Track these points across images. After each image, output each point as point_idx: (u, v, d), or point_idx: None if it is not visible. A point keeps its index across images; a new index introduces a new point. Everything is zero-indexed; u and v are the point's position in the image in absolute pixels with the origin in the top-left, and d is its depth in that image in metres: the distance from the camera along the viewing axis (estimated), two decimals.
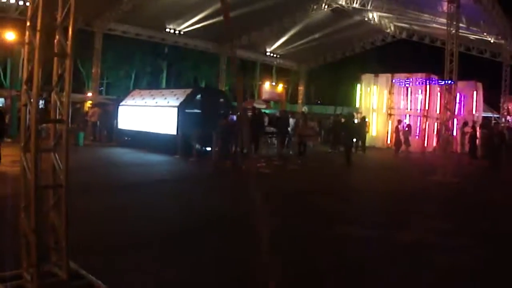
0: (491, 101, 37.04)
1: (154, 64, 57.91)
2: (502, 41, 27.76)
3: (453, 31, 16.57)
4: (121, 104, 23.89)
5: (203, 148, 19.80)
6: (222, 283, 5.76)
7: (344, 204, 11.38)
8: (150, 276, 5.78)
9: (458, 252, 7.62)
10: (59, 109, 4.66)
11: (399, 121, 27.25)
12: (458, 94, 17.44)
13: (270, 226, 8.29)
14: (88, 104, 31.44)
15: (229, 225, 8.58)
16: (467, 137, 24.09)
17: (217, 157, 17.50)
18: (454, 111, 17.10)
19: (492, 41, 29.13)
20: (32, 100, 4.41)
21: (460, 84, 16.70)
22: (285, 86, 57.28)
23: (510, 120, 35.21)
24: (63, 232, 4.48)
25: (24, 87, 4.59)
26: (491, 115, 40.80)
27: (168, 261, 6.35)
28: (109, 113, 25.08)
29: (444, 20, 26.15)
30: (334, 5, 30.47)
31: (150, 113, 21.39)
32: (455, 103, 17.28)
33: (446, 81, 16.90)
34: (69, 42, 4.49)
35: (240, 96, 4.52)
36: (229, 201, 10.95)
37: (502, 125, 30.60)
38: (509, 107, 35.07)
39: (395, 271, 6.51)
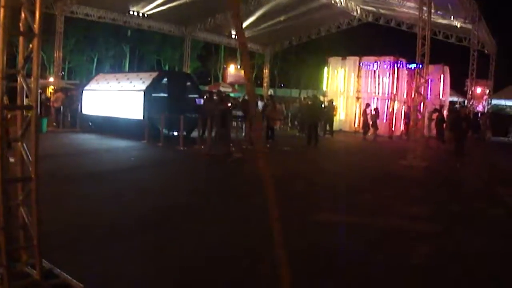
0: (456, 86, 37.33)
1: (117, 48, 56.80)
2: (469, 26, 27.81)
3: (425, 16, 16.49)
4: (85, 88, 23.21)
5: (171, 132, 19.40)
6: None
7: (316, 189, 11.20)
8: (126, 269, 5.45)
9: (437, 237, 7.53)
10: (26, 95, 4.25)
11: (367, 105, 27.20)
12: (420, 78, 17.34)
13: (244, 213, 8.06)
14: (51, 89, 30.52)
15: (201, 213, 8.27)
16: (433, 122, 24.18)
17: (211, 144, 16.80)
18: (427, 95, 16.98)
19: (458, 26, 29.22)
20: None
21: (422, 67, 16.64)
22: (250, 69, 56.92)
23: (475, 105, 35.51)
24: (35, 229, 4.10)
25: None
26: (457, 99, 41.23)
27: (138, 255, 6.02)
28: (72, 98, 24.37)
29: (412, 4, 26.36)
30: None
31: (116, 98, 20.82)
32: (426, 86, 17.17)
33: (418, 65, 16.88)
34: (37, 20, 4.07)
35: (251, 94, 4.17)
36: (202, 187, 10.66)
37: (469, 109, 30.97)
38: (475, 91, 35.35)
39: (377, 261, 6.22)
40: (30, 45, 4.11)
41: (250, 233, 6.96)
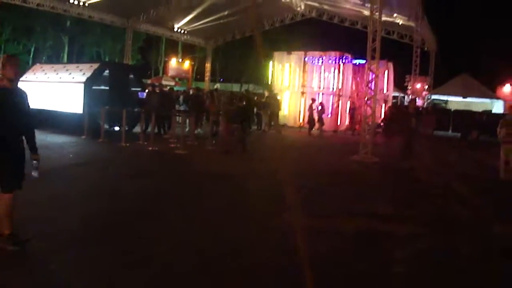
0: (395, 81, 37.86)
1: (56, 39, 54.86)
2: (411, 23, 28.07)
3: (376, 14, 16.57)
4: (20, 80, 22.05)
5: (112, 128, 18.66)
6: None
7: (271, 188, 10.53)
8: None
9: (410, 239, 7.28)
10: None
11: (313, 100, 27.07)
12: (370, 73, 17.36)
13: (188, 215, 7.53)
14: None
15: (144, 216, 7.73)
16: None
17: (227, 140, 16.42)
18: (377, 90, 16.89)
19: (400, 23, 29.48)
20: None
21: (371, 63, 16.64)
22: (192, 63, 56.24)
23: (417, 100, 36.08)
24: None
25: None
26: (398, 95, 41.95)
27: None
28: None
29: (356, 1, 26.42)
30: None
31: (54, 90, 19.78)
32: (371, 82, 17.09)
33: (364, 60, 16.90)
34: None
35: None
36: (146, 188, 10.05)
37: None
38: (416, 87, 35.93)
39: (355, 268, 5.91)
40: None
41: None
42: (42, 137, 17.14)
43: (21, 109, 5.78)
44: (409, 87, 37.64)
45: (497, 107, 40.62)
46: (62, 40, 55.08)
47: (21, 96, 5.85)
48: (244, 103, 18.59)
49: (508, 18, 57.93)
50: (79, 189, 9.60)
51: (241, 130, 16.68)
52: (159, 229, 7.03)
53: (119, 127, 17.99)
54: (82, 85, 18.45)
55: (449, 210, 9.59)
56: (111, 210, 8.04)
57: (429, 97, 37.71)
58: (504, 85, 44.49)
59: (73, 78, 19.24)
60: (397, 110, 26.09)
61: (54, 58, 52.88)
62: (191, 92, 27.32)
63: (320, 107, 26.46)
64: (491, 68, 45.75)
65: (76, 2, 30.28)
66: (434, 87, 38.48)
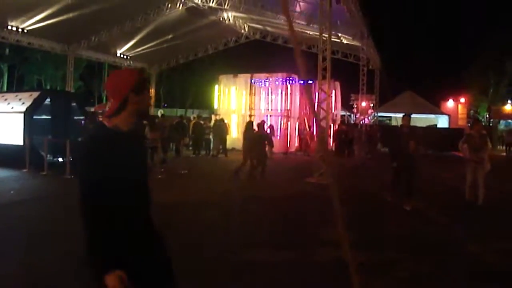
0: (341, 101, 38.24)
1: None
2: (356, 43, 28.32)
3: (325, 36, 16.57)
4: None
5: (56, 159, 17.91)
6: None
7: (227, 218, 10.17)
8: None
9: (387, 269, 6.92)
10: None
11: (263, 122, 26.83)
12: (317, 93, 17.35)
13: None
14: None
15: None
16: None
17: None
18: (329, 109, 16.79)
19: (345, 42, 29.71)
20: None
21: (322, 82, 16.62)
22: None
23: (362, 118, 36.48)
24: None
25: None
26: (344, 113, 42.37)
27: None
28: None
29: (301, 22, 26.44)
30: (190, 4, 29.34)
31: None
32: (318, 102, 17.03)
33: (311, 81, 16.78)
34: None
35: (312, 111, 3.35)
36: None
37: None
38: (361, 105, 36.35)
39: None
40: None
41: None
42: None
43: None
44: (355, 106, 38.08)
45: (442, 122, 41.60)
46: (1, 68, 53.53)
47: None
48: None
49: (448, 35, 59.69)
50: (25, 228, 8.92)
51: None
52: None
53: (63, 158, 17.26)
54: (22, 115, 17.67)
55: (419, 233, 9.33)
56: (59, 257, 7.22)
57: (375, 114, 38.17)
58: (447, 100, 45.67)
59: (12, 108, 18.42)
60: (348, 127, 26.28)
61: None
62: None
63: (269, 129, 26.24)
64: (434, 84, 46.99)
65: (14, 29, 29.29)
66: (380, 105, 38.99)
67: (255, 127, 18.09)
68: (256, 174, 16.64)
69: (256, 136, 17.23)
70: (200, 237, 8.52)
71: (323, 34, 16.60)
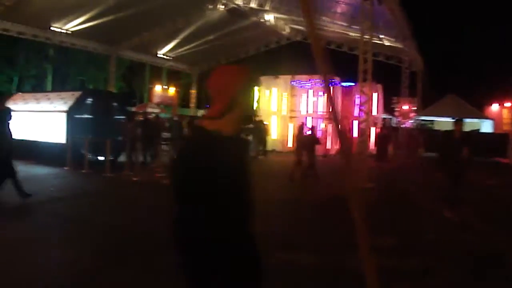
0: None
1: (39, 68, 54.31)
2: (398, 44, 27.84)
3: (367, 37, 16.27)
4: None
5: (96, 157, 18.07)
6: None
7: (267, 221, 9.97)
8: None
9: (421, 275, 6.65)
10: None
11: (302, 124, 26.74)
12: (360, 96, 17.04)
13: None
14: None
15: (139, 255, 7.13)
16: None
17: None
18: (370, 112, 16.50)
19: (387, 44, 29.27)
20: None
21: (363, 85, 16.30)
22: (177, 90, 56.00)
23: (403, 121, 35.86)
24: None
25: None
26: (386, 117, 41.78)
27: None
28: None
29: (342, 23, 26.21)
30: (231, 5, 29.38)
31: (35, 120, 19.27)
32: (364, 104, 16.72)
33: (354, 83, 16.50)
34: None
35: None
36: (137, 225, 9.38)
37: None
38: (403, 109, 35.74)
39: None
40: None
41: None
42: (24, 169, 16.58)
43: None
44: (397, 109, 37.51)
45: (486, 127, 40.59)
46: (45, 69, 54.58)
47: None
48: None
49: (498, 38, 58.43)
50: (61, 226, 9.02)
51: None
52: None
53: (104, 156, 17.42)
54: (65, 114, 17.91)
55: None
56: (96, 255, 7.29)
57: (417, 118, 37.52)
58: (491, 104, 44.57)
59: (54, 107, 18.72)
60: (389, 131, 25.85)
61: (38, 88, 52.31)
62: (175, 119, 26.90)
63: (311, 131, 26.14)
64: (478, 88, 45.94)
65: (58, 30, 29.81)
66: (422, 108, 38.28)
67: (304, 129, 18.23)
68: (309, 174, 16.63)
69: (307, 138, 17.36)
70: None
71: (365, 36, 16.27)
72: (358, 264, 6.90)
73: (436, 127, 42.32)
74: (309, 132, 24.62)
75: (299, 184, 16.04)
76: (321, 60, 2.53)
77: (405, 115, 35.83)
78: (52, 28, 29.48)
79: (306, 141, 17.27)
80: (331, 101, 3.20)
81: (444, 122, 40.75)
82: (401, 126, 33.29)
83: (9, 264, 6.54)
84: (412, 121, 36.66)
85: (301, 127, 18.44)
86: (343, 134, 3.08)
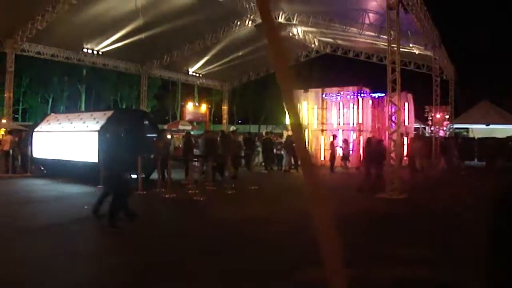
0: (415, 113, 37.27)
1: (72, 87, 55.32)
2: (428, 52, 27.54)
3: (395, 47, 16.03)
4: (35, 130, 21.87)
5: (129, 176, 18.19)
6: None
7: (298, 235, 9.90)
8: None
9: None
10: None
11: (334, 137, 26.68)
12: (391, 106, 16.80)
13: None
14: (1, 131, 28.80)
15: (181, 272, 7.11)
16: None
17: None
18: (399, 123, 16.24)
19: (417, 53, 29.02)
20: None
21: (392, 95, 16.05)
22: (209, 106, 56.35)
23: (437, 130, 35.38)
24: None
25: None
26: (419, 126, 41.25)
27: None
28: (22, 140, 22.87)
29: (370, 33, 26.08)
30: (258, 21, 29.51)
31: (68, 139, 19.55)
32: (394, 115, 16.50)
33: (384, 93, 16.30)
34: None
35: None
36: (175, 241, 9.39)
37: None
38: (436, 117, 35.29)
39: None
40: None
41: None
42: (58, 188, 16.95)
43: None
44: (430, 118, 37.04)
45: None
46: (78, 89, 55.53)
47: None
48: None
49: None
50: (96, 244, 9.16)
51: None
52: None
53: (136, 174, 17.52)
54: (97, 133, 18.12)
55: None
56: (129, 269, 7.37)
57: (451, 126, 37.02)
58: None
59: (87, 126, 18.97)
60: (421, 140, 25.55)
61: (72, 108, 53.24)
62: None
63: (344, 144, 26.31)
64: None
65: (89, 51, 30.35)
66: (455, 116, 37.77)
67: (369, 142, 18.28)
68: (379, 186, 16.32)
69: (374, 152, 17.08)
70: (265, 251, 8.33)
71: (392, 45, 16.06)
72: (382, 276, 6.83)
73: (471, 135, 41.62)
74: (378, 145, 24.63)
75: (367, 195, 15.80)
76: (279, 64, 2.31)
77: (438, 124, 35.36)
78: (84, 50, 30.02)
79: (374, 154, 16.98)
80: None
81: (478, 130, 40.12)
82: (435, 135, 32.71)
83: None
84: (445, 129, 36.18)
85: (369, 140, 18.30)
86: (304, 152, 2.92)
